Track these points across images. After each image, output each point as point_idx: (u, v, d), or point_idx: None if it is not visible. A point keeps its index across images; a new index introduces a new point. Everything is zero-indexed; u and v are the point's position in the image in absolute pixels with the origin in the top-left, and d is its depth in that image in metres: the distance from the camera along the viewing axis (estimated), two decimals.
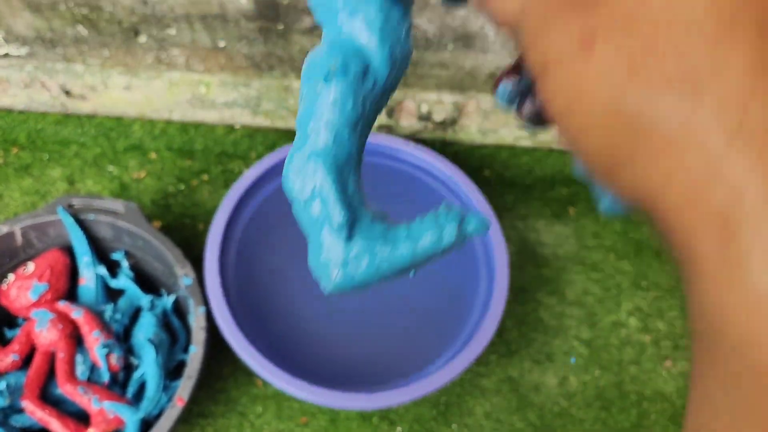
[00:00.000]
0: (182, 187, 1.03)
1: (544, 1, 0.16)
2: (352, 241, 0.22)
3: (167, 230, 1.00)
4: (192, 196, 1.03)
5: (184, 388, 0.73)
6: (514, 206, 1.07)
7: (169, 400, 0.76)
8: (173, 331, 0.86)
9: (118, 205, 0.84)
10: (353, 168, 0.23)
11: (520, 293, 1.00)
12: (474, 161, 1.08)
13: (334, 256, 0.22)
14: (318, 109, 0.22)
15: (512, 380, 0.93)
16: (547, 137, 1.06)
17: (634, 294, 1.01)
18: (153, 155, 1.06)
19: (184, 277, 0.80)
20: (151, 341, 0.78)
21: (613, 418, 0.91)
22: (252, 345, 0.74)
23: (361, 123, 0.22)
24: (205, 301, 0.78)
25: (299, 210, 0.23)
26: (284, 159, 0.90)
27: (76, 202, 0.84)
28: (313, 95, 0.22)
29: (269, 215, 0.88)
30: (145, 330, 0.82)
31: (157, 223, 1.00)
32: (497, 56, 0.92)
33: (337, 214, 0.22)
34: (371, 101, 0.23)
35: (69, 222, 0.82)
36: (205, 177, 1.05)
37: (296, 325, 0.81)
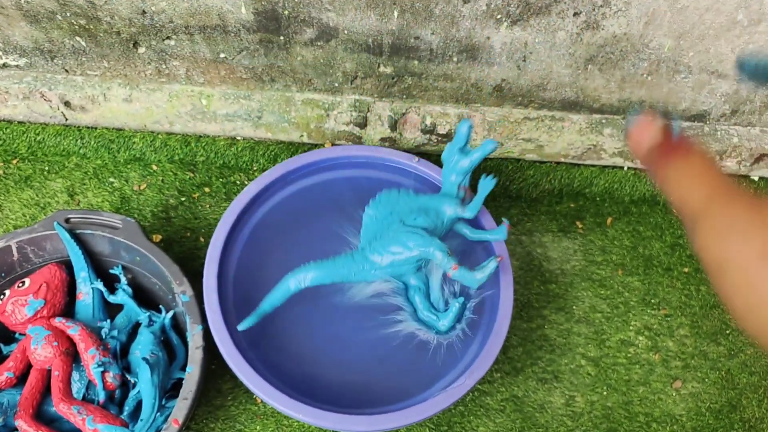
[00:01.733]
0: (183, 199, 1.02)
1: (729, 208, 0.19)
2: None
3: (168, 243, 0.98)
4: (193, 208, 1.02)
5: (180, 409, 0.72)
6: (520, 220, 1.05)
7: (165, 420, 0.74)
8: (172, 347, 0.84)
9: (116, 220, 0.82)
10: None
11: (525, 309, 0.98)
12: (479, 174, 1.06)
13: None
14: None
15: (517, 399, 0.91)
16: (555, 150, 1.04)
17: (643, 312, 0.99)
18: (154, 167, 1.04)
19: (182, 294, 0.78)
20: (146, 360, 0.76)
21: None
22: (250, 365, 0.72)
23: None
24: (204, 319, 0.77)
25: None
26: (287, 173, 0.88)
27: (74, 217, 0.82)
28: None
29: (270, 230, 0.86)
30: (143, 347, 0.80)
31: (158, 237, 0.98)
32: (503, 68, 0.91)
33: None
34: None
35: (66, 237, 0.81)
36: (207, 189, 1.03)
37: (297, 344, 0.79)
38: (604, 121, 0.99)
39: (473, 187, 0.80)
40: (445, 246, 0.73)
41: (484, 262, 0.74)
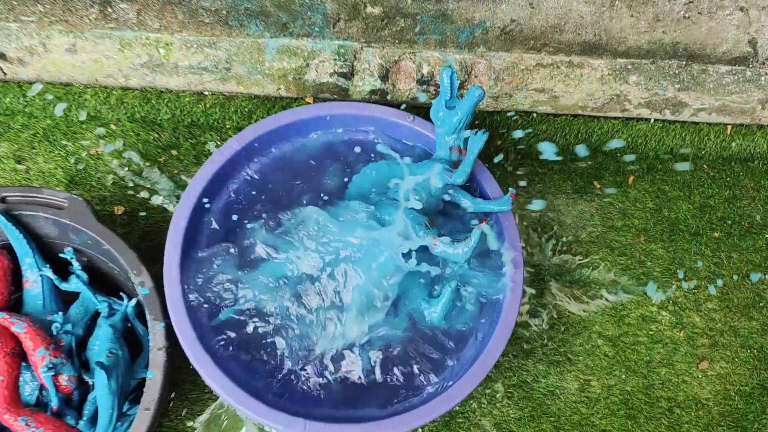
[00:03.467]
0: (148, 164, 0.89)
1: None
2: None
3: (132, 217, 0.87)
4: (160, 175, 0.89)
5: (141, 420, 0.62)
6: (531, 181, 0.92)
7: (128, 429, 0.65)
8: (138, 337, 0.74)
9: (60, 198, 0.70)
10: None
11: (535, 282, 0.87)
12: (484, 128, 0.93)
13: None
14: None
15: (526, 385, 0.82)
16: (572, 101, 0.90)
17: (667, 283, 0.88)
18: (113, 127, 0.91)
19: (140, 286, 0.67)
20: (101, 365, 0.66)
21: (641, 427, 0.81)
22: (220, 369, 0.63)
23: None
24: (167, 315, 0.66)
25: None
26: (266, 133, 0.75)
27: (10, 196, 0.70)
28: None
29: (251, 202, 0.74)
30: (101, 344, 0.70)
31: (120, 209, 0.87)
32: (512, 6, 0.76)
33: None
34: None
35: (1, 220, 0.69)
36: (174, 152, 0.90)
37: (278, 342, 0.69)
38: (629, 66, 0.85)
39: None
40: (424, 219, 0.62)
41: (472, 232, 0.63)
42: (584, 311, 0.86)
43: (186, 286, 0.68)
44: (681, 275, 0.88)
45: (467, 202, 0.71)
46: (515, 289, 0.67)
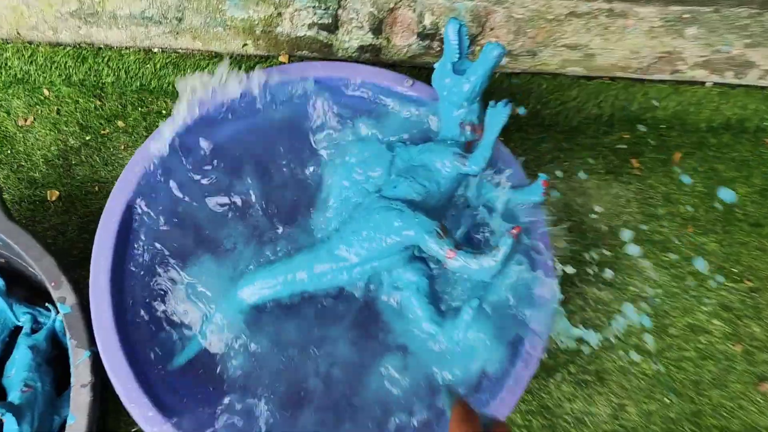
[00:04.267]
0: (89, 138, 0.74)
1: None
2: None
3: (69, 203, 0.72)
4: (103, 151, 0.75)
5: None
6: (554, 158, 0.78)
7: None
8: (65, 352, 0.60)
9: None
10: None
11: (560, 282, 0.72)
12: (501, 95, 0.76)
13: None
14: None
15: (547, 411, 0.69)
16: (610, 60, 0.73)
17: (720, 285, 0.74)
18: (45, 92, 0.75)
19: (60, 303, 0.52)
20: (10, 406, 0.52)
21: None
22: (164, 417, 0.48)
23: None
24: (93, 341, 0.51)
25: None
26: (232, 102, 0.58)
27: None
28: None
29: (198, 193, 0.58)
30: (17, 371, 0.55)
31: (55, 193, 0.72)
32: None
33: None
34: None
35: None
36: (121, 124, 0.75)
37: (250, 389, 0.54)
38: (686, 16, 0.69)
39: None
40: (433, 224, 0.47)
41: (498, 240, 0.48)
42: (619, 317, 0.72)
43: (120, 304, 0.52)
44: (737, 274, 0.73)
45: (484, 194, 0.55)
46: (541, 333, 0.52)
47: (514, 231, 0.47)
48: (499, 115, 0.52)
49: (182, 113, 0.57)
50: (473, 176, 0.54)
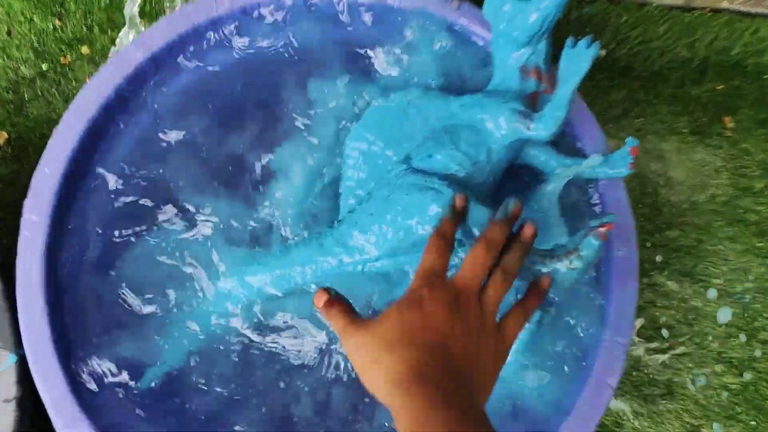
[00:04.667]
0: (45, 67, 0.66)
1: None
2: None
3: (20, 147, 0.63)
4: (63, 83, 0.66)
5: None
6: (627, 110, 0.66)
7: None
8: None
9: None
10: None
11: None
12: (565, 30, 0.61)
13: None
14: None
15: (604, 430, 0.57)
16: None
17: None
18: None
19: None
20: None
21: None
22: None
23: None
24: (20, 343, 0.39)
25: None
26: (207, 25, 0.44)
27: None
28: None
29: (161, 156, 0.44)
30: None
31: (3, 135, 0.60)
32: None
33: None
34: None
35: None
36: (85, 50, 0.66)
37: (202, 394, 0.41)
38: None
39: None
40: (486, 213, 0.32)
41: (578, 235, 0.35)
42: (697, 318, 0.61)
43: (54, 298, 0.40)
44: None
45: (552, 162, 0.40)
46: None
47: (602, 230, 0.33)
48: (580, 59, 0.37)
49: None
50: (540, 143, 0.39)
